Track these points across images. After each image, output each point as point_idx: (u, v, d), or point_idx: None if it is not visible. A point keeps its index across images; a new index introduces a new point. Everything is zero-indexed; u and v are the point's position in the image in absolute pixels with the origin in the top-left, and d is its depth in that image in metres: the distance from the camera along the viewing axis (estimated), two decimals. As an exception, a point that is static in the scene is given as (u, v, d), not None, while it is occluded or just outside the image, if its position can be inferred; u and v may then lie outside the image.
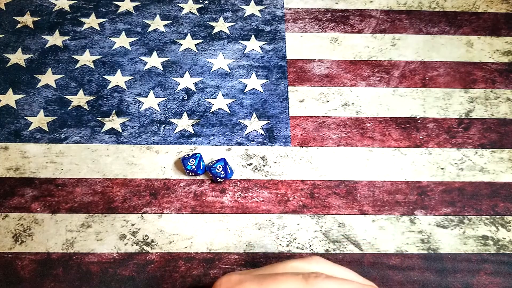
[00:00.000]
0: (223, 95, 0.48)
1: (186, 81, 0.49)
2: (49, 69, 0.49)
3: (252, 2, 0.55)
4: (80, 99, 0.47)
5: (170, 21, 0.53)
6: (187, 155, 0.43)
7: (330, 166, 0.44)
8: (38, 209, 0.41)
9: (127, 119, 0.46)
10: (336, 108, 0.47)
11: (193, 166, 0.41)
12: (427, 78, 0.50)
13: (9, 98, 0.47)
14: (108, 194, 0.42)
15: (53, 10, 0.53)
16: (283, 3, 0.55)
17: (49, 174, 0.42)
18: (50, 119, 0.45)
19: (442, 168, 0.44)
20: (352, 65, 0.50)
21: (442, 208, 0.42)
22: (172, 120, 0.46)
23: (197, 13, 0.54)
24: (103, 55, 0.50)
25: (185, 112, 0.47)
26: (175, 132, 0.45)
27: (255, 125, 0.46)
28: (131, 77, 0.49)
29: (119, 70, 0.49)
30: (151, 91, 0.48)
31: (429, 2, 0.55)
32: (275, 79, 0.49)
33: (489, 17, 0.54)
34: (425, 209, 0.42)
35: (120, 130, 0.45)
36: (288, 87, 0.48)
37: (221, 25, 0.53)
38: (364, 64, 0.50)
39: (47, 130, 0.45)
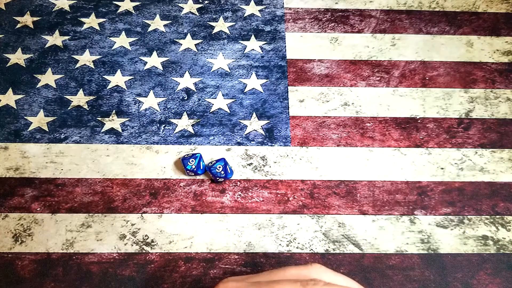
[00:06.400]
0: (223, 95, 0.48)
1: (186, 81, 0.49)
2: (49, 69, 0.49)
3: (252, 2, 0.55)
4: (80, 99, 0.47)
5: (170, 21, 0.53)
6: (187, 155, 0.42)
7: (330, 166, 0.44)
8: (38, 209, 0.41)
9: (127, 119, 0.46)
10: (336, 108, 0.47)
11: (193, 166, 0.41)
12: (427, 78, 0.50)
13: (9, 98, 0.47)
14: (108, 194, 0.42)
15: (53, 10, 0.53)
16: (283, 3, 0.55)
17: (49, 174, 0.42)
18: (50, 119, 0.45)
19: (442, 168, 0.44)
20: (352, 65, 0.50)
21: (442, 208, 0.42)
22: (172, 120, 0.46)
23: (197, 13, 0.54)
24: (103, 55, 0.50)
25: (185, 112, 0.47)
26: (175, 132, 0.45)
27: (255, 125, 0.46)
28: (131, 77, 0.49)
29: (119, 70, 0.49)
30: (151, 91, 0.48)
31: (429, 2, 0.55)
32: (275, 79, 0.49)
33: (489, 17, 0.54)
34: (425, 209, 0.42)
35: (120, 130, 0.45)
36: (288, 87, 0.48)
37: (221, 25, 0.53)
38: (364, 64, 0.50)
39: (47, 130, 0.45)
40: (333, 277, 0.26)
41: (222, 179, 0.42)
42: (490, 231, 0.41)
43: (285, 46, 0.51)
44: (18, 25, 0.51)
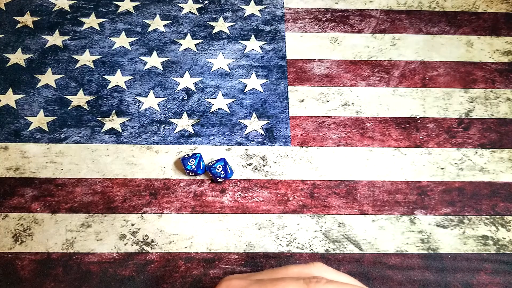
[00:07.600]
0: (223, 95, 0.48)
1: (186, 81, 0.49)
2: (49, 69, 0.49)
3: (252, 2, 0.55)
4: (80, 99, 0.47)
5: (170, 21, 0.53)
6: (187, 155, 0.43)
7: (330, 166, 0.44)
8: (38, 209, 0.41)
9: (127, 119, 0.46)
10: (336, 108, 0.47)
11: (193, 166, 0.41)
12: (427, 78, 0.50)
13: (9, 98, 0.47)
14: (108, 194, 0.42)
15: (53, 10, 0.53)
16: (283, 3, 0.55)
17: (49, 174, 0.42)
18: (50, 119, 0.45)
19: (442, 168, 0.44)
20: (352, 65, 0.50)
21: (442, 208, 0.42)
22: (172, 120, 0.46)
23: (197, 13, 0.54)
24: (103, 55, 0.50)
25: (185, 112, 0.47)
26: (175, 132, 0.45)
27: (255, 125, 0.46)
28: (131, 77, 0.49)
29: (119, 70, 0.49)
30: (151, 91, 0.48)
31: (429, 2, 0.55)
32: (275, 79, 0.49)
33: (489, 17, 0.54)
34: (425, 209, 0.42)
35: (120, 130, 0.45)
36: (288, 87, 0.48)
37: (221, 25, 0.53)
38: (364, 64, 0.50)
39: (47, 130, 0.45)
40: (335, 275, 0.26)
41: (222, 179, 0.42)
42: (490, 231, 0.41)
43: (285, 46, 0.51)
44: (18, 25, 0.51)
